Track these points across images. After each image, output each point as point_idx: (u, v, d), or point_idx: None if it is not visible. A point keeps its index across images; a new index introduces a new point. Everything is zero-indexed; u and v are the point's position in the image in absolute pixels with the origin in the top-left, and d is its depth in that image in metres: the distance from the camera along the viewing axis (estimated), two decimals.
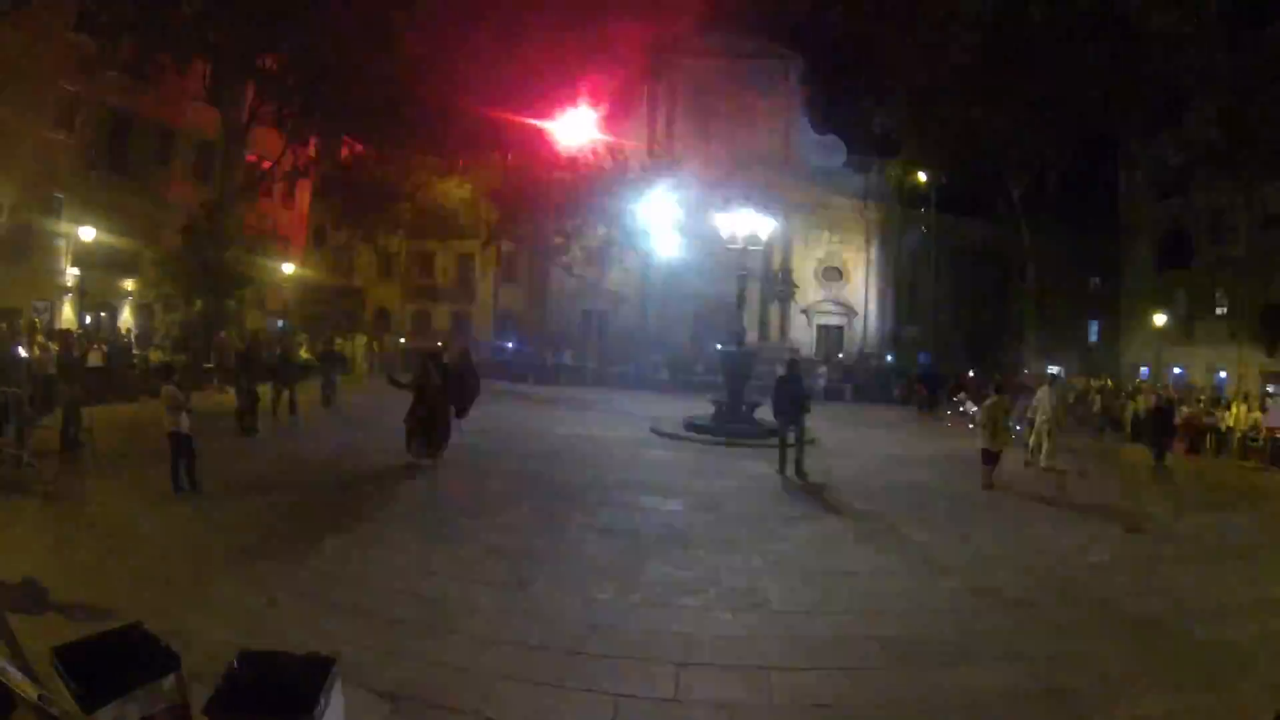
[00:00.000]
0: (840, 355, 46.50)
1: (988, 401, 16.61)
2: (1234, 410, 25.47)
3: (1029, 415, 18.35)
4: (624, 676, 6.70)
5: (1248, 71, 29.81)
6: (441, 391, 15.40)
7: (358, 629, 7.21)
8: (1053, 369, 43.03)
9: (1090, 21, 31.46)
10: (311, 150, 39.34)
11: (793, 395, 16.15)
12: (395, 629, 7.30)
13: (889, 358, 45.76)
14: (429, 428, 15.03)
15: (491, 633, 7.35)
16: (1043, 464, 17.18)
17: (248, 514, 10.78)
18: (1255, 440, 23.37)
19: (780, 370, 17.86)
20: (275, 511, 11.03)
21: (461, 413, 16.46)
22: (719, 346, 27.09)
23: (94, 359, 21.26)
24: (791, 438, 15.86)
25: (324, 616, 7.42)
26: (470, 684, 6.40)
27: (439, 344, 26.25)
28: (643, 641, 7.40)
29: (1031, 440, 18.04)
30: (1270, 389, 31.44)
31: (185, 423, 11.51)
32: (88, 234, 25.99)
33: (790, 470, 15.70)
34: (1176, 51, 30.81)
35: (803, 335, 49.97)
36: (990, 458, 15.78)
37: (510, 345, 41.76)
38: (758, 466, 17.07)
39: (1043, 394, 18.10)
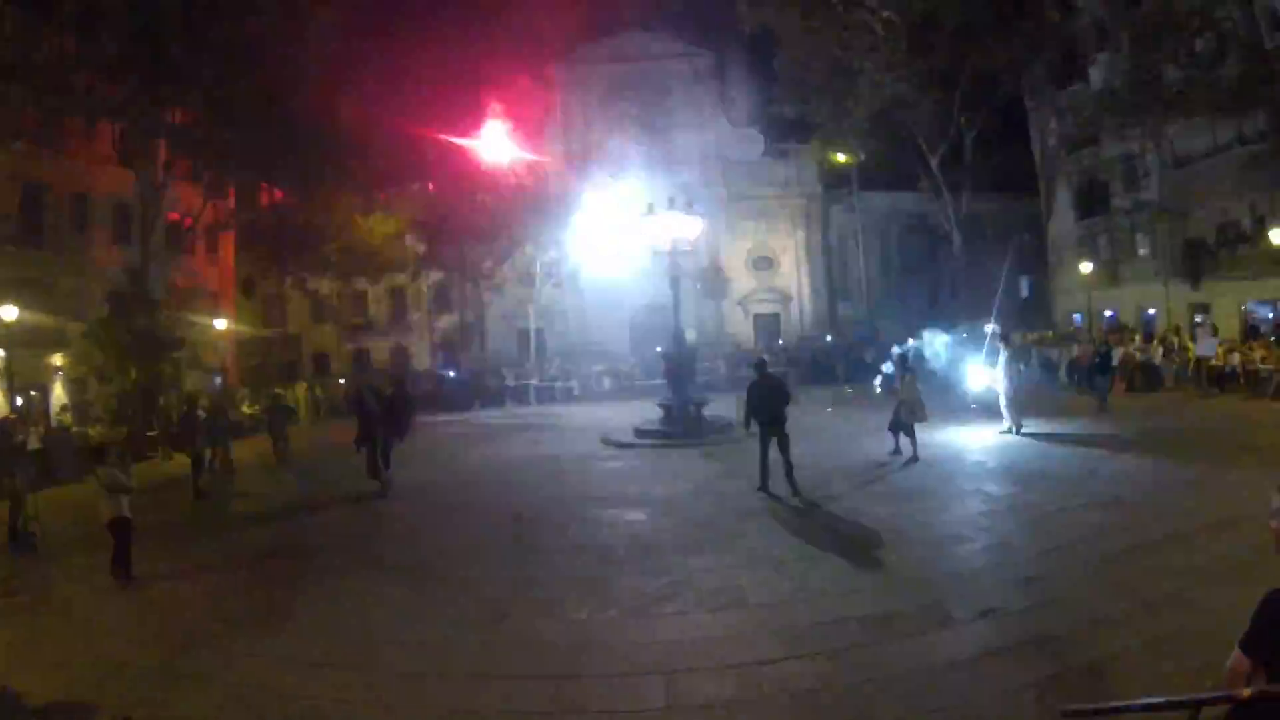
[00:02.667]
0: (780, 342, 46.88)
1: (906, 378, 16.93)
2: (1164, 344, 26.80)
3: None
4: (616, 693, 6.79)
5: (1144, 19, 30.74)
6: (379, 419, 16.60)
7: (344, 687, 7.17)
8: (989, 327, 44.06)
9: None
10: (231, 201, 38.88)
11: (768, 400, 13.99)
12: (382, 681, 7.26)
13: (828, 338, 46.22)
14: (371, 454, 16.31)
15: (480, 670, 7.36)
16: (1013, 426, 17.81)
17: (216, 586, 10.58)
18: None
19: (750, 372, 16.11)
20: (243, 579, 10.87)
21: (400, 436, 17.60)
22: (659, 349, 27.20)
23: (31, 442, 20.77)
24: (773, 450, 13.83)
25: (308, 679, 7.35)
26: None
27: (369, 376, 26.53)
28: (629, 655, 7.46)
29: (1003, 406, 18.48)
30: (1199, 318, 32.60)
31: (126, 507, 10.79)
32: (9, 313, 25.29)
33: (772, 485, 13.76)
34: (1075, 9, 31.78)
35: (740, 327, 50.39)
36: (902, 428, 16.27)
37: (451, 374, 41.48)
38: (710, 465, 17.35)
39: (1003, 359, 18.52)
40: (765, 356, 17.46)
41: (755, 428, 14.15)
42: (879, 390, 22.43)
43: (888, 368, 19.23)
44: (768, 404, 13.91)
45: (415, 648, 7.95)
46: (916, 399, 16.34)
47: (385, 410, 17.17)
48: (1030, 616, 7.58)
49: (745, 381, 35.56)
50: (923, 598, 8.27)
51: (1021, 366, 18.50)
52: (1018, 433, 18.02)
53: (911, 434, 16.14)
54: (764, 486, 13.78)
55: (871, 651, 7.19)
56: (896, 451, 16.28)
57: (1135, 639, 6.91)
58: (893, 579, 8.97)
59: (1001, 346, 19.00)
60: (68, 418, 27.40)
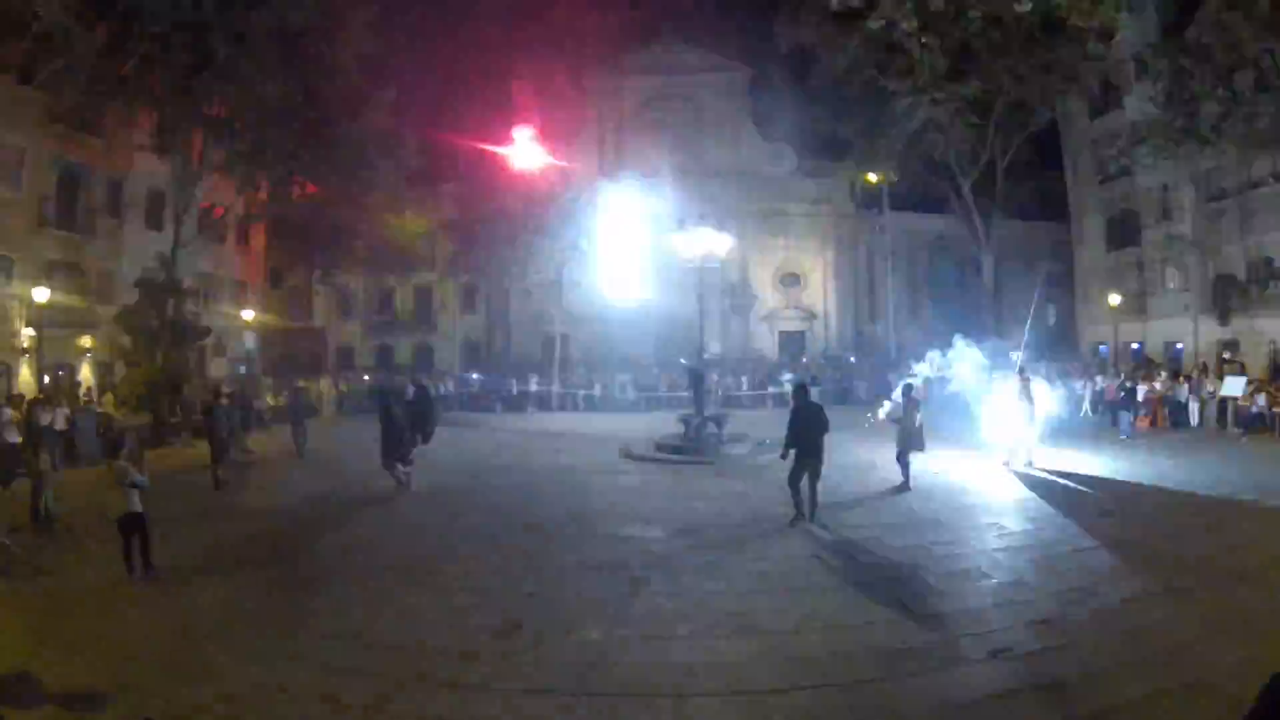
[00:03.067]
0: (805, 360, 46.80)
1: (907, 407, 16.57)
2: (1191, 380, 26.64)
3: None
4: (624, 714, 6.81)
5: (1180, 53, 30.60)
6: (402, 420, 17.11)
7: (358, 689, 7.23)
8: (1015, 354, 43.90)
9: (1027, 22, 32.21)
10: (264, 193, 39.18)
11: (810, 429, 13.07)
12: (395, 685, 7.31)
13: (851, 359, 46.11)
14: (392, 452, 16.83)
15: (490, 681, 7.40)
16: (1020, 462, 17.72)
17: (231, 581, 10.61)
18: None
19: (789, 394, 15.28)
20: (260, 575, 10.90)
21: (425, 439, 18.01)
22: (682, 361, 27.19)
23: (58, 421, 20.97)
24: (805, 482, 13.04)
25: (322, 680, 7.42)
26: None
27: (397, 380, 26.96)
28: (639, 676, 7.50)
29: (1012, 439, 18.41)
30: (1227, 355, 32.36)
31: (138, 502, 10.54)
32: (41, 294, 25.64)
33: (807, 518, 13.12)
34: (1111, 41, 31.71)
35: (765, 343, 50.31)
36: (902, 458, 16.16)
37: (476, 376, 41.61)
38: (729, 484, 17.28)
39: (1017, 390, 18.48)
40: (809, 378, 16.01)
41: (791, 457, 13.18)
42: (869, 421, 22.32)
43: (897, 394, 19.12)
44: (810, 433, 13.03)
45: (428, 655, 8.00)
46: (915, 429, 16.13)
47: (409, 413, 17.55)
48: (1040, 660, 7.53)
49: (770, 398, 35.53)
50: (935, 634, 8.27)
51: (1028, 401, 18.29)
52: (1022, 467, 17.97)
53: (905, 463, 16.06)
54: (800, 518, 13.03)
55: (881, 686, 7.18)
56: (906, 485, 16.05)
57: (1141, 690, 6.86)
58: (906, 612, 8.93)
59: (1018, 378, 18.95)
60: (108, 398, 27.57)
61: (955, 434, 20.38)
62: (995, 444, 18.78)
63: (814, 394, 32.66)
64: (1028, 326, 21.76)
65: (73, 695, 7.11)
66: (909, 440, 16.05)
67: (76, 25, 25.23)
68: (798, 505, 13.09)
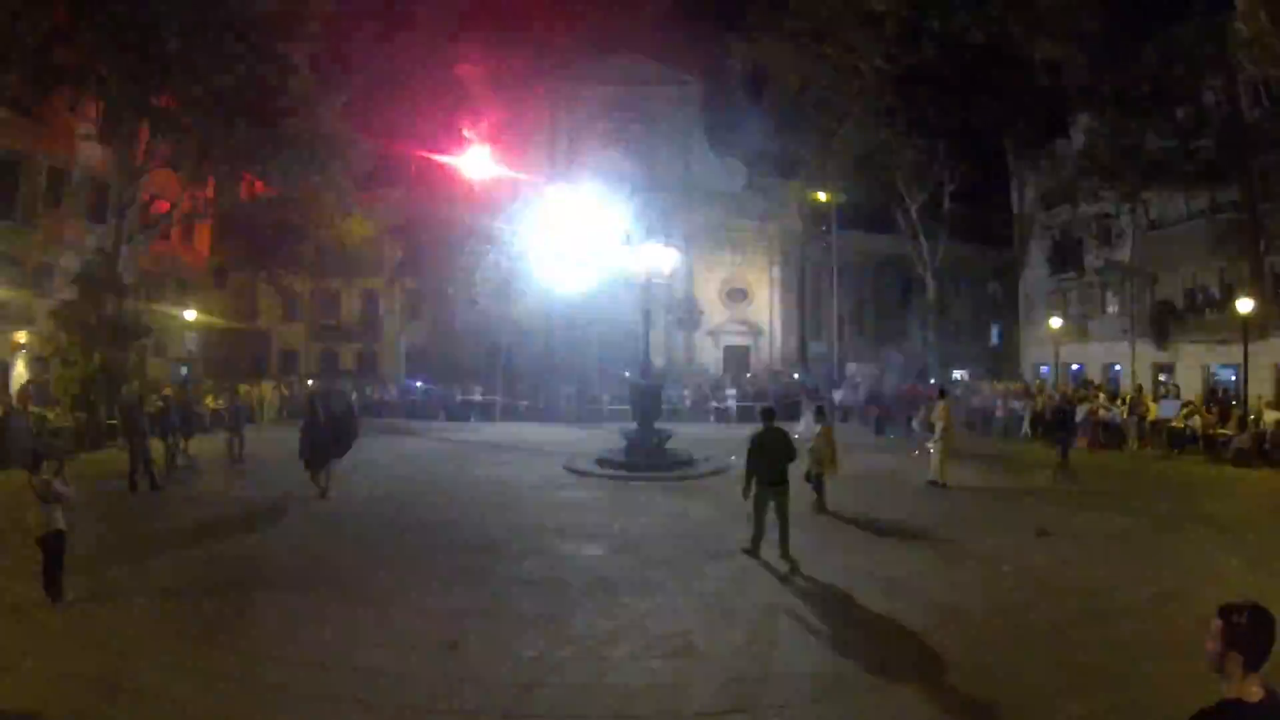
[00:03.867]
0: (749, 375, 47.09)
1: (821, 429, 16.91)
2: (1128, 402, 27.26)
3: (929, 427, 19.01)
4: None
5: (1126, 88, 31.44)
6: (324, 427, 17.40)
7: (294, 709, 7.19)
8: (959, 373, 44.71)
9: (979, 50, 32.97)
10: (209, 190, 38.60)
11: (776, 455, 12.44)
12: (330, 707, 7.27)
13: (795, 375, 46.46)
14: (315, 459, 17.02)
15: (426, 702, 7.38)
16: (931, 477, 18.25)
17: (164, 597, 10.36)
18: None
19: (753, 425, 13.99)
20: (192, 590, 10.66)
21: (339, 452, 17.89)
22: (626, 375, 27.22)
23: None
24: (772, 509, 12.31)
25: (256, 701, 7.34)
26: None
27: (335, 386, 26.93)
28: (576, 698, 7.53)
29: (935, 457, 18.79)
30: (1163, 378, 33.27)
31: (61, 518, 9.94)
32: None
33: (764, 552, 12.31)
34: (1058, 74, 32.51)
35: (709, 357, 50.55)
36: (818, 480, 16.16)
37: (419, 384, 41.37)
38: (672, 501, 17.39)
39: (939, 408, 18.96)
40: (770, 405, 14.83)
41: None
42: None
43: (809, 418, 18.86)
44: (775, 460, 12.36)
45: (366, 674, 7.94)
46: (828, 452, 16.20)
47: (332, 422, 17.79)
48: (973, 682, 7.69)
49: (712, 412, 35.41)
50: (870, 655, 8.38)
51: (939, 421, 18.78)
52: (940, 485, 18.39)
53: (820, 486, 16.02)
54: (754, 550, 12.29)
55: (815, 709, 7.31)
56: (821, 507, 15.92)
57: (1076, 711, 7.06)
58: (841, 634, 9.07)
59: (937, 397, 19.30)
60: (28, 398, 26.94)
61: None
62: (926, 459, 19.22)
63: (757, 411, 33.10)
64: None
65: (4, 715, 6.97)
66: (820, 463, 16.09)
67: (24, 10, 24.73)
68: (755, 536, 12.36)
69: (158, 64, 27.30)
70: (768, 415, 13.27)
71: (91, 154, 32.59)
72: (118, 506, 16.04)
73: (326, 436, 17.39)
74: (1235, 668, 3.21)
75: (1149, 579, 11.02)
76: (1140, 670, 7.83)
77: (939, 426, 18.73)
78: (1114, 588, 10.65)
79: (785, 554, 12.06)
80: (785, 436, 12.82)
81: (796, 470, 13.42)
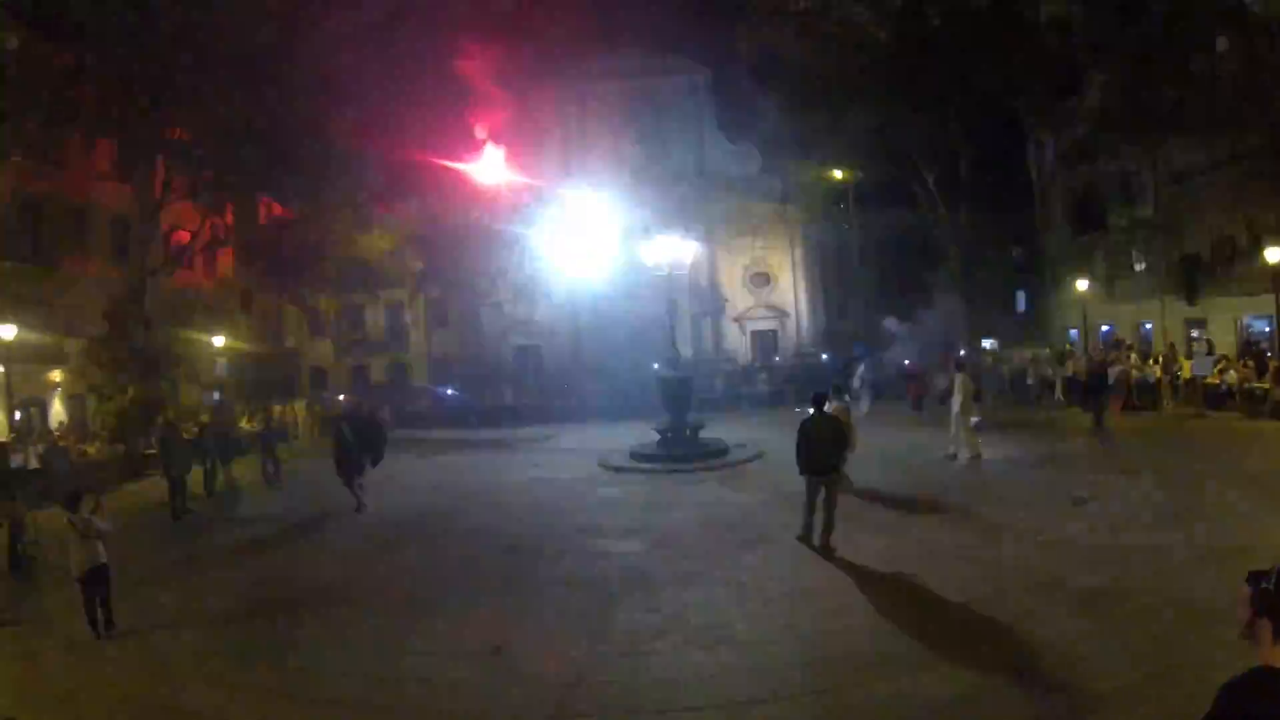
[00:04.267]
0: (776, 359, 46.99)
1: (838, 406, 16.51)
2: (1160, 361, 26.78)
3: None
4: None
5: (1139, 38, 30.92)
6: (352, 445, 17.73)
7: None
8: (987, 343, 44.35)
9: (984, 14, 32.68)
10: (229, 217, 38.94)
11: (829, 443, 12.16)
12: (382, 718, 7.40)
13: (823, 356, 46.28)
14: (349, 474, 17.46)
15: (474, 708, 7.53)
16: (959, 452, 18.06)
17: (213, 619, 10.57)
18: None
19: (806, 408, 13.61)
20: (239, 612, 10.86)
21: (374, 462, 18.29)
22: (655, 367, 27.23)
23: (29, 461, 20.84)
24: (820, 499, 11.97)
25: (306, 713, 7.48)
26: None
27: (347, 404, 28.31)
28: (621, 694, 7.62)
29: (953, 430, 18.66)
30: (1195, 334, 32.71)
31: (103, 552, 10.05)
32: (8, 332, 25.35)
33: (817, 538, 12.02)
34: (1067, 33, 32.07)
35: (737, 344, 50.45)
36: None
37: (449, 391, 41.55)
38: (706, 492, 17.38)
39: (959, 381, 18.80)
40: (822, 392, 13.94)
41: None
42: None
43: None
44: (824, 447, 12.04)
45: (415, 684, 8.07)
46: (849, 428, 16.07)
47: (358, 439, 18.07)
48: (1013, 656, 7.70)
49: (742, 401, 35.17)
50: (910, 636, 8.40)
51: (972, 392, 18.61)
52: (955, 458, 18.31)
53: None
54: (808, 538, 12.06)
55: (854, 692, 7.32)
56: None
57: (1116, 681, 7.03)
58: (881, 616, 9.08)
59: (955, 370, 19.12)
60: (67, 434, 27.34)
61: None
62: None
63: (788, 393, 32.75)
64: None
65: None
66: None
67: (33, 56, 25.07)
68: (806, 524, 12.11)
69: (168, 99, 27.61)
70: (818, 401, 12.84)
71: (110, 192, 32.96)
72: (160, 534, 16.28)
73: (356, 452, 17.72)
74: (1266, 634, 3.12)
75: (1190, 543, 10.81)
76: (1182, 638, 7.75)
77: (958, 399, 18.59)
78: (1154, 553, 10.50)
79: (825, 544, 11.79)
80: (836, 423, 12.56)
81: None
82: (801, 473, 12.10)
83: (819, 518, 11.96)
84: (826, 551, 11.65)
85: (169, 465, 18.62)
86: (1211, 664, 6.86)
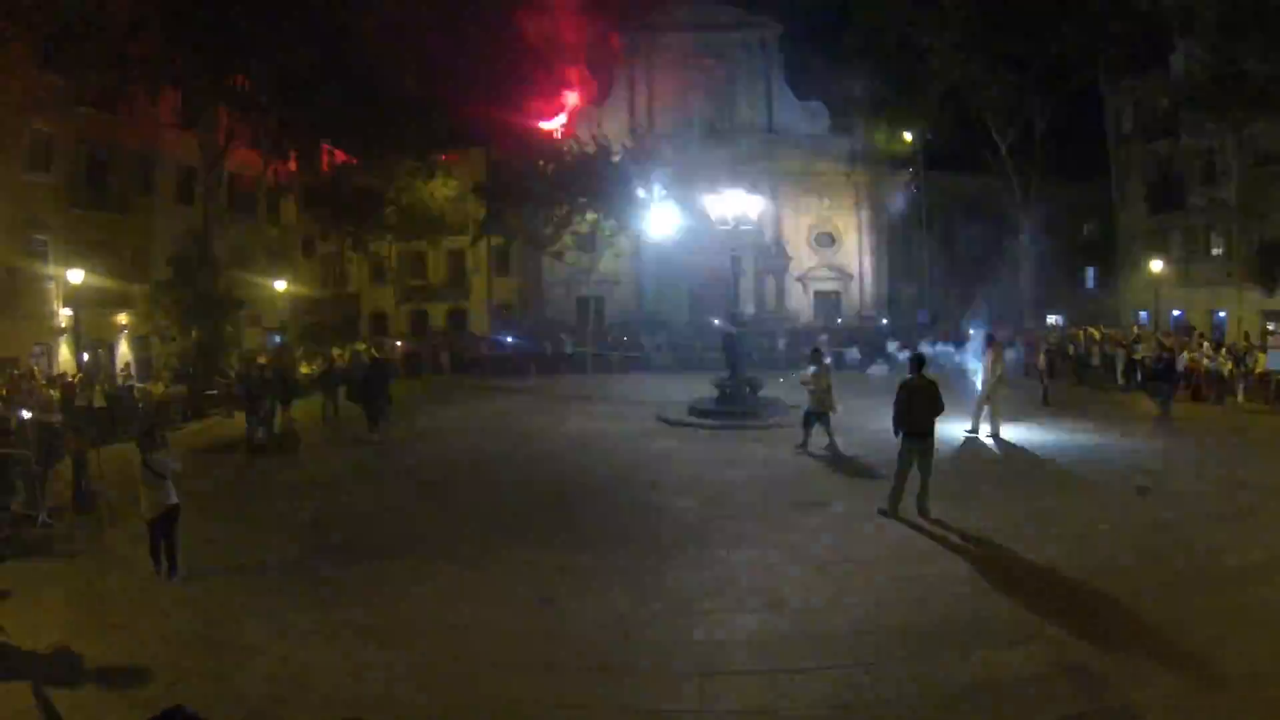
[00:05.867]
0: (839, 320, 46.49)
1: (816, 371, 16.93)
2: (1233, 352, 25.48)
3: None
4: (648, 690, 6.91)
5: (1230, 10, 29.63)
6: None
7: (392, 665, 7.38)
8: (1052, 319, 43.35)
9: None
10: (292, 164, 39.28)
11: (926, 408, 11.69)
12: (428, 661, 7.47)
13: (884, 320, 45.70)
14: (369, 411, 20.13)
15: (519, 656, 7.52)
16: (983, 430, 17.66)
17: (267, 557, 10.73)
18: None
19: (904, 373, 12.95)
20: (293, 552, 11.00)
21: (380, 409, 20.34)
22: (716, 322, 27.01)
23: (96, 399, 21.24)
24: (918, 463, 11.60)
25: (357, 655, 7.59)
26: (502, 712, 6.58)
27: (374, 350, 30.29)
28: (665, 652, 7.57)
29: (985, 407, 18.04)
30: (1271, 326, 31.34)
31: (174, 492, 9.99)
32: (76, 276, 25.89)
33: (901, 508, 11.66)
34: None
35: (799, 303, 49.91)
36: (813, 419, 16.76)
37: (509, 339, 41.65)
38: (763, 450, 17.19)
39: (989, 357, 18.11)
40: (924, 350, 13.11)
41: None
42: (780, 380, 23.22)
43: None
44: (922, 412, 11.63)
45: (461, 630, 8.14)
46: (825, 391, 16.54)
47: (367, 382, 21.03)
48: (1062, 649, 7.41)
49: (804, 362, 34.87)
50: (959, 615, 8.21)
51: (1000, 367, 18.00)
52: (971, 434, 17.75)
53: (825, 423, 16.58)
54: (893, 511, 11.59)
55: (903, 666, 7.17)
56: (802, 446, 16.73)
57: (1167, 684, 6.73)
58: (932, 591, 8.88)
59: (986, 345, 18.48)
60: (133, 375, 27.91)
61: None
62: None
63: (849, 355, 32.34)
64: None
65: (113, 671, 7.29)
66: (821, 402, 16.55)
67: (95, 8, 25.30)
68: (895, 492, 11.67)
69: (230, 48, 27.77)
70: (918, 363, 12.28)
71: (174, 140, 33.40)
72: (222, 473, 16.50)
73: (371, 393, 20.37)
74: None
75: (1255, 544, 10.25)
76: (1237, 644, 7.34)
77: (992, 374, 17.87)
78: (1217, 551, 9.99)
79: (923, 509, 11.51)
80: (934, 388, 11.88)
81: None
82: (898, 434, 11.76)
83: (912, 484, 11.63)
84: (924, 517, 11.41)
85: (254, 401, 19.53)
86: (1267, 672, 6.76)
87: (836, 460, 15.72)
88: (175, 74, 28.95)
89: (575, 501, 13.36)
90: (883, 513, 11.62)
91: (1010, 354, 22.16)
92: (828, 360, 18.67)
